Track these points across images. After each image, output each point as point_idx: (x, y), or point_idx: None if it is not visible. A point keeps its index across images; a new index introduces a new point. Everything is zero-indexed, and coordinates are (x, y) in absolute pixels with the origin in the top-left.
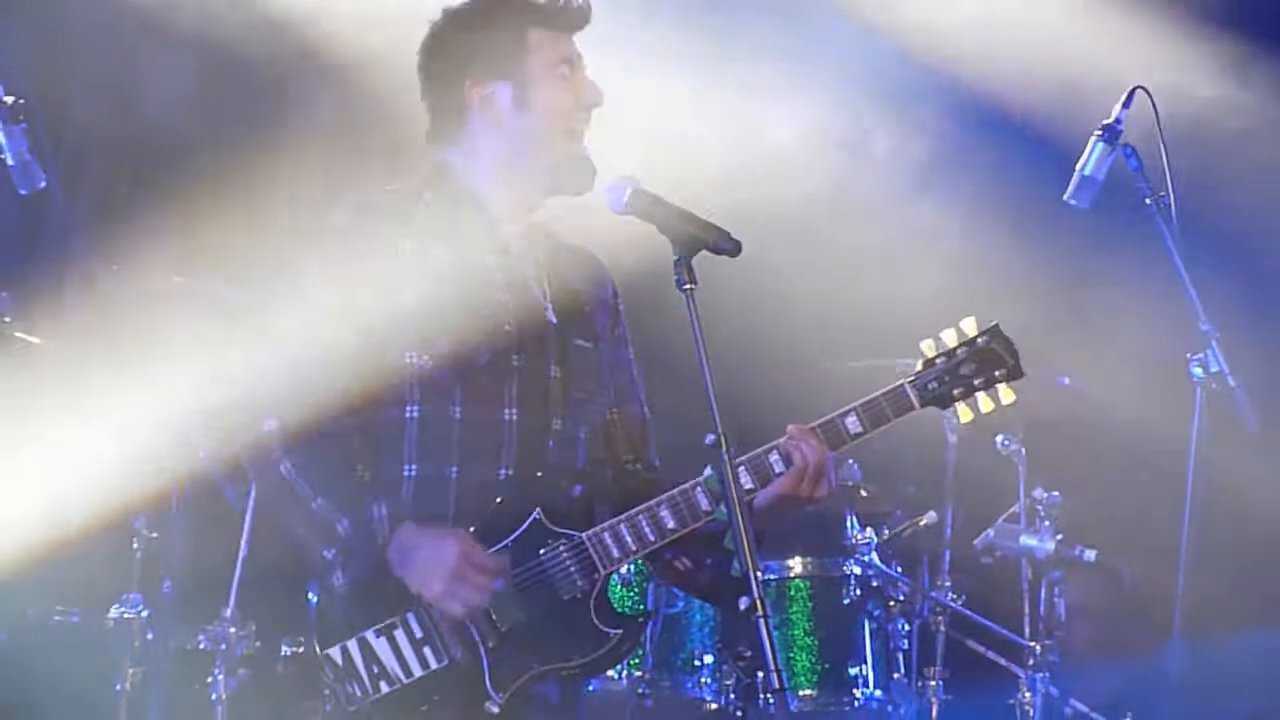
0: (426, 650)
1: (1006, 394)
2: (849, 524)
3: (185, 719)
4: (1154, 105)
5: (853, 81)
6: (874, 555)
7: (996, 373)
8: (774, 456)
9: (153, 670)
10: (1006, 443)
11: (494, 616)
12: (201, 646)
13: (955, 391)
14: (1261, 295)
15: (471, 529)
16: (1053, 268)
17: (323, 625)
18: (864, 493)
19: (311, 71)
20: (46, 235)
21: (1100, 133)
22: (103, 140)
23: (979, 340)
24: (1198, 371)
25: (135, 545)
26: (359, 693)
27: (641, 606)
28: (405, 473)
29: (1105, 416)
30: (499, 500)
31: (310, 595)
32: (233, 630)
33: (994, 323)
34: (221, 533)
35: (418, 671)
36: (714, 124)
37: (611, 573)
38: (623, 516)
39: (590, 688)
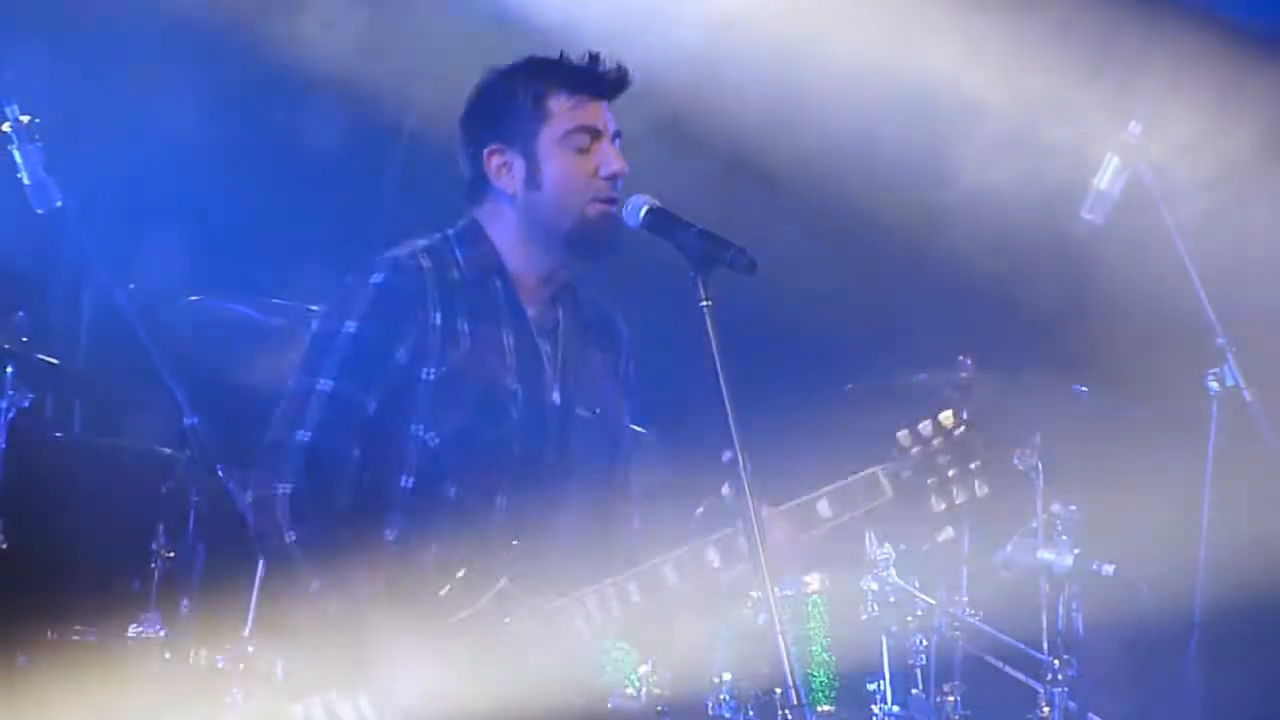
0: (388, 716)
1: (980, 486)
2: (867, 540)
3: None
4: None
5: None
6: (892, 571)
7: (971, 465)
8: (822, 505)
9: (171, 690)
10: (1024, 457)
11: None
12: (219, 666)
13: (929, 481)
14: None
15: (441, 592)
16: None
17: (289, 681)
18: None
19: (327, 88)
20: (63, 254)
21: (1116, 148)
22: (120, 158)
23: (955, 432)
24: (1214, 385)
25: (153, 565)
26: None
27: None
28: (388, 535)
29: (1123, 429)
30: (462, 573)
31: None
32: (250, 649)
33: (967, 415)
34: (239, 552)
35: None
36: None
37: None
38: (591, 588)
39: (610, 704)
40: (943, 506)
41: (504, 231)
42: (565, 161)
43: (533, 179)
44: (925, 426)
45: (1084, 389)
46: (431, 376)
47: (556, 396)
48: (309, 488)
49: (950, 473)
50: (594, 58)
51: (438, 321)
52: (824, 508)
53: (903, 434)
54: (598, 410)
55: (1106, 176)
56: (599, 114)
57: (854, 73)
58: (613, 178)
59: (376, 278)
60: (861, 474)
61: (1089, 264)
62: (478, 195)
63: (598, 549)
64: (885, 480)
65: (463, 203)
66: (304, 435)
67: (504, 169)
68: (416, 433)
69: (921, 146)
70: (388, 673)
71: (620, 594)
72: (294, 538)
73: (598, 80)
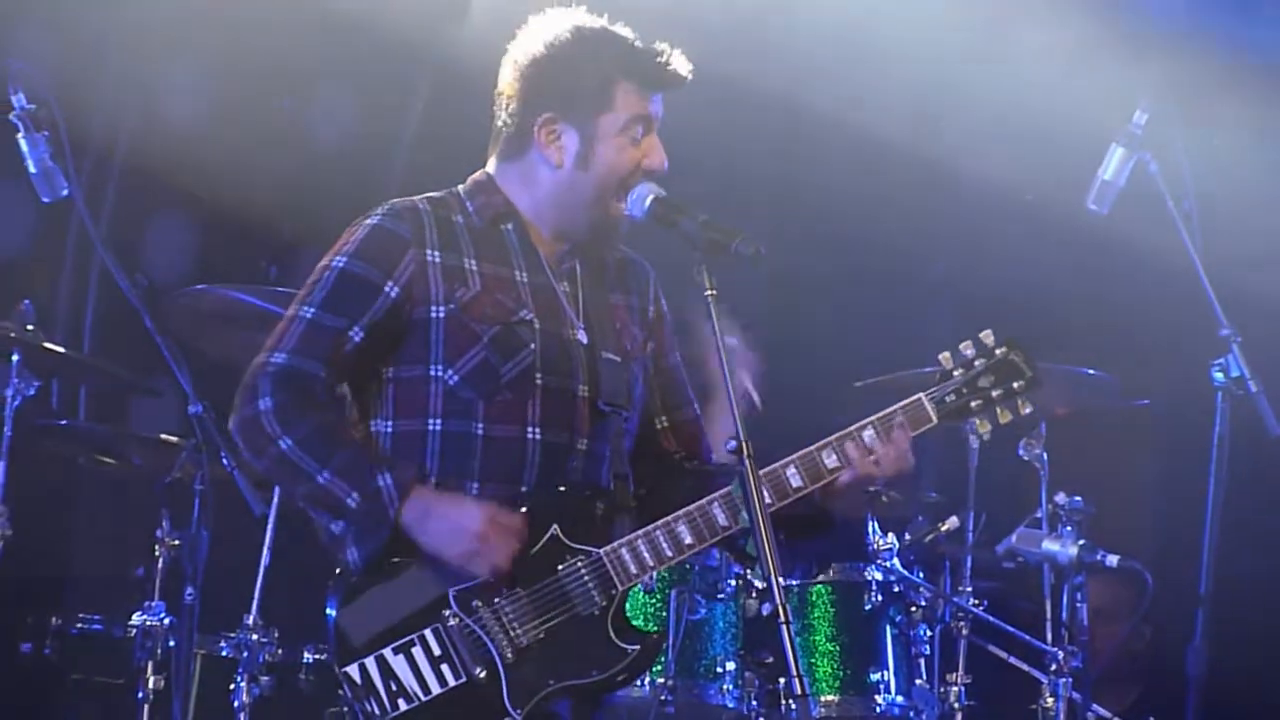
0: (444, 668)
1: (1024, 405)
2: (870, 530)
3: None
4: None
5: None
6: (896, 561)
7: (1015, 384)
8: (827, 454)
9: (175, 677)
10: (1028, 447)
11: (512, 632)
12: (224, 654)
13: (974, 404)
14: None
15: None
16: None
17: (341, 642)
18: (885, 498)
19: (337, 75)
20: (70, 244)
21: (1120, 138)
22: (127, 148)
23: (997, 352)
24: (1219, 376)
25: (157, 552)
26: (377, 710)
27: (664, 613)
28: (427, 483)
29: (1129, 417)
30: (522, 510)
31: (329, 610)
32: (255, 637)
33: (1010, 336)
34: (244, 539)
35: (436, 689)
36: None
37: (629, 589)
38: (640, 532)
39: (615, 695)
40: (988, 428)
41: (529, 191)
42: (619, 149)
43: (583, 158)
44: (967, 346)
45: (1091, 371)
46: (441, 314)
47: (582, 335)
48: (288, 400)
49: (995, 394)
50: (665, 51)
51: (437, 259)
52: (869, 436)
53: (944, 355)
54: (624, 353)
55: (1111, 166)
56: (657, 107)
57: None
58: (653, 172)
59: (373, 219)
60: (906, 401)
61: (1094, 254)
62: (512, 151)
63: (643, 490)
64: (930, 406)
65: (484, 149)
66: (279, 357)
67: (553, 138)
68: (436, 374)
69: (924, 136)
70: (452, 556)
71: (671, 537)
72: (288, 443)
73: (668, 77)
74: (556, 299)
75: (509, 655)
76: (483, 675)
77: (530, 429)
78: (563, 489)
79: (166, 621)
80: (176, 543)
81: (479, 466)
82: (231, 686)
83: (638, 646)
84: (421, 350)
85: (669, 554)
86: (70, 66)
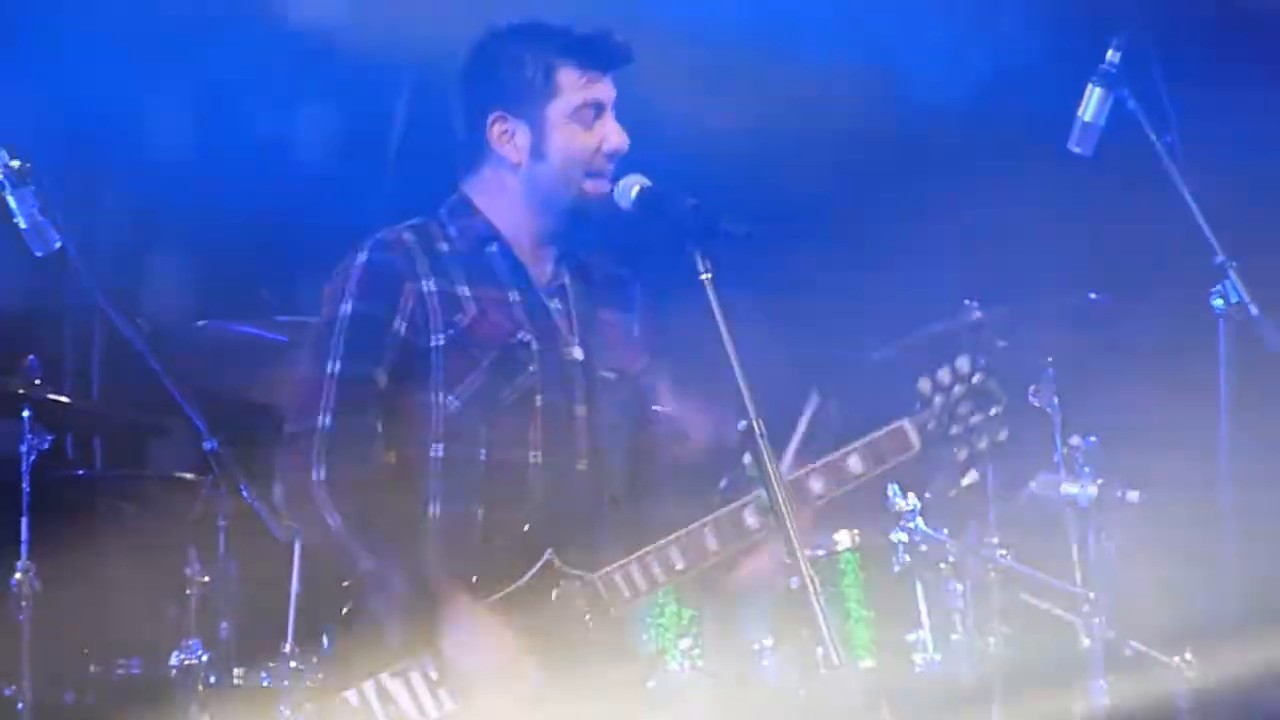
0: (442, 692)
1: (1001, 432)
2: (890, 492)
3: None
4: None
5: None
6: (919, 520)
7: (992, 411)
8: (853, 460)
9: (219, 713)
10: (1039, 394)
11: None
12: (265, 684)
13: (954, 430)
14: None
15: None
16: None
17: (340, 666)
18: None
19: (324, 96)
20: (68, 295)
21: (1096, 78)
22: (115, 193)
23: (974, 379)
24: (1218, 304)
25: (188, 591)
26: None
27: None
28: (430, 510)
29: (1133, 355)
30: (517, 539)
31: (323, 638)
32: (293, 665)
33: (984, 361)
34: (272, 568)
35: (433, 714)
36: None
37: (625, 611)
38: (634, 557)
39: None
40: (964, 454)
41: (502, 200)
42: (571, 135)
43: (538, 150)
44: (944, 374)
45: (1095, 296)
46: (441, 342)
47: (578, 353)
48: (340, 470)
49: (973, 420)
50: (604, 31)
51: (432, 288)
52: (854, 463)
53: (923, 382)
54: (620, 371)
55: (1090, 107)
56: (606, 89)
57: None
58: (614, 154)
59: (363, 256)
60: (888, 428)
61: (1083, 192)
62: (475, 161)
63: (637, 512)
64: (912, 431)
65: (456, 174)
66: (324, 420)
67: (506, 136)
68: (437, 400)
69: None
70: (439, 631)
71: (663, 561)
72: (337, 521)
73: (610, 55)
74: (550, 317)
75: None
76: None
77: (532, 452)
78: (559, 514)
79: (204, 658)
80: (206, 579)
81: (482, 492)
82: (276, 717)
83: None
84: (423, 377)
85: (661, 578)
86: (49, 116)
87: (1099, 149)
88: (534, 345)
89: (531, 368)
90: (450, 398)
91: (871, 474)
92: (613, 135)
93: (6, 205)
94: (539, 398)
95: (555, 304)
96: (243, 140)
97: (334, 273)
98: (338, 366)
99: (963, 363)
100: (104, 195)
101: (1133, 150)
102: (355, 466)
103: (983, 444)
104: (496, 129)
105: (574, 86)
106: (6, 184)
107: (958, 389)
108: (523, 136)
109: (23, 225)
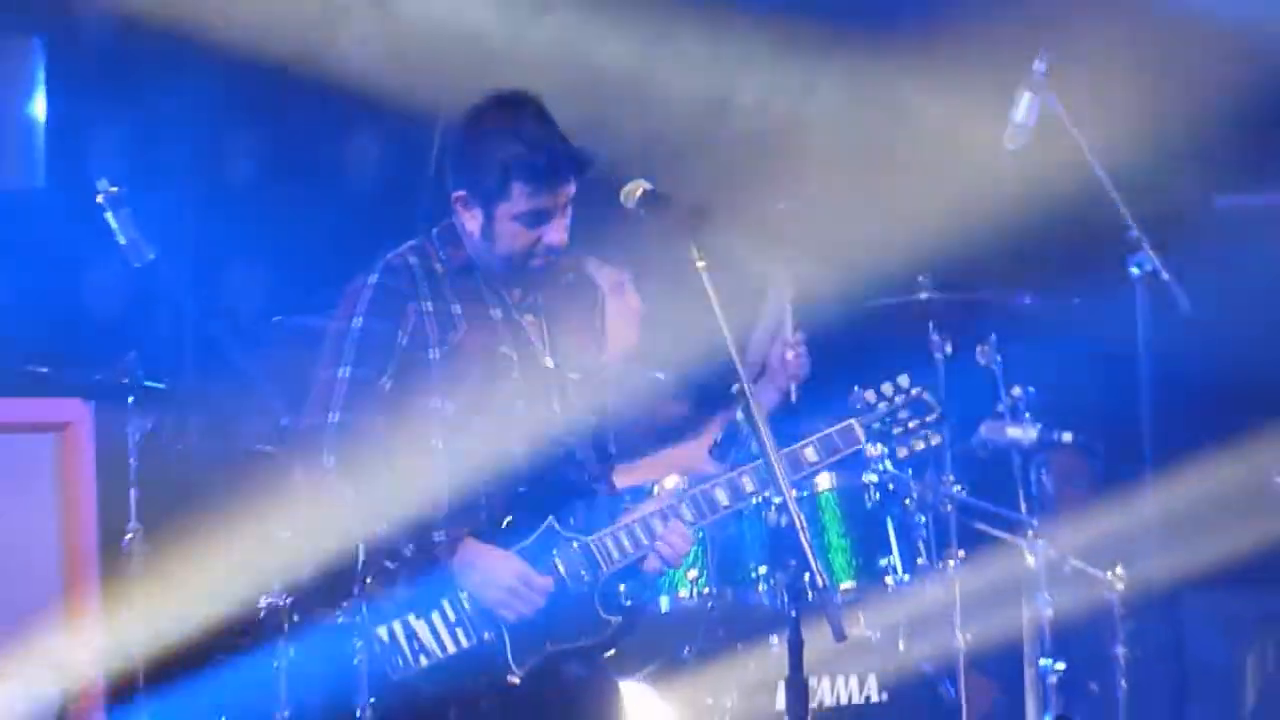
0: (459, 631)
1: (933, 437)
2: None
3: (333, 687)
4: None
5: None
6: (887, 463)
7: (928, 418)
8: (809, 451)
9: (302, 647)
10: (984, 354)
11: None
12: (339, 621)
13: (895, 431)
14: None
15: (505, 523)
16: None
17: (372, 607)
18: None
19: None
20: (161, 298)
21: (1026, 84)
22: (196, 208)
23: (913, 392)
24: (1134, 271)
25: (271, 545)
26: (403, 663)
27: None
28: (434, 488)
29: (1064, 321)
30: (518, 511)
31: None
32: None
33: (920, 384)
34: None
35: (451, 649)
36: None
37: (613, 570)
38: (621, 524)
39: (667, 609)
40: (904, 452)
41: (473, 241)
42: (515, 232)
43: (486, 233)
44: (887, 388)
45: (1027, 299)
46: (438, 355)
47: (550, 362)
48: (350, 460)
49: (912, 424)
50: (561, 148)
51: (430, 308)
52: (810, 454)
53: (869, 393)
54: (582, 373)
55: (1021, 109)
56: (553, 199)
57: None
58: (552, 249)
59: (373, 278)
60: (839, 425)
61: (1017, 185)
62: (453, 208)
63: (603, 492)
64: (860, 429)
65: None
66: (335, 416)
67: (467, 210)
68: (435, 406)
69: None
70: (485, 603)
71: (646, 528)
72: (350, 499)
73: (563, 175)
74: (524, 332)
75: (512, 622)
76: (490, 638)
77: (521, 444)
78: (554, 488)
79: (288, 601)
80: (286, 535)
81: (482, 480)
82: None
83: (620, 618)
84: (422, 384)
85: (645, 542)
86: (139, 150)
87: None
88: (514, 357)
89: (514, 375)
90: (447, 403)
91: (824, 464)
92: (552, 234)
93: (108, 225)
94: (521, 401)
95: (529, 318)
96: (304, 168)
97: (348, 289)
98: (349, 371)
99: (903, 379)
100: (187, 215)
101: None
102: (361, 455)
103: (919, 446)
104: (459, 202)
105: (523, 196)
106: (108, 206)
107: (899, 398)
108: (474, 221)
109: (122, 241)
